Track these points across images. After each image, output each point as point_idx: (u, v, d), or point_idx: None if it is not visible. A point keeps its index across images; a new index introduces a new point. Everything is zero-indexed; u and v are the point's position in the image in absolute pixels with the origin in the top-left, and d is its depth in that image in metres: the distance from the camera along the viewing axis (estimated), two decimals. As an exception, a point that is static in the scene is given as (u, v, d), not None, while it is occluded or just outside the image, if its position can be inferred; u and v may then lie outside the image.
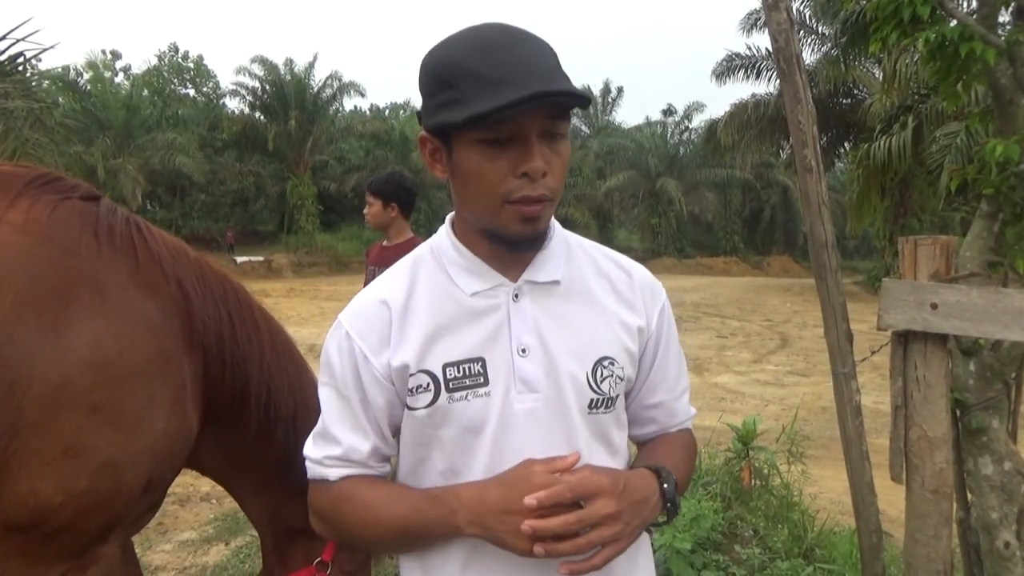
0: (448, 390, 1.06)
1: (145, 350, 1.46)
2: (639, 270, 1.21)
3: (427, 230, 1.22)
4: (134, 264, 1.53)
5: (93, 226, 1.51)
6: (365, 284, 3.84)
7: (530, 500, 0.94)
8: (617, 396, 1.13)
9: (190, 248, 1.74)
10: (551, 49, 1.02)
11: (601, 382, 1.10)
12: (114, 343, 1.41)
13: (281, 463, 1.76)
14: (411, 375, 1.06)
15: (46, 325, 1.35)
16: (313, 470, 1.13)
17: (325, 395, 1.13)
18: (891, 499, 2.56)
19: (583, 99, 0.96)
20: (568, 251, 1.16)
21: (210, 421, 1.69)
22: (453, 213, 1.15)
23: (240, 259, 27.47)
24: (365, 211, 3.83)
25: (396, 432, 1.14)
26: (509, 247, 1.07)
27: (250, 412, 1.74)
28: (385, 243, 3.84)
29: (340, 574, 1.90)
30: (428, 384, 1.06)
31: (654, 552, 3.05)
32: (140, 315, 1.48)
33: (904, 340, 1.92)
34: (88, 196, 1.59)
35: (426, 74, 1.03)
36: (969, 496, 2.12)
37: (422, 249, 1.17)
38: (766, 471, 4.18)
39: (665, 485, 1.06)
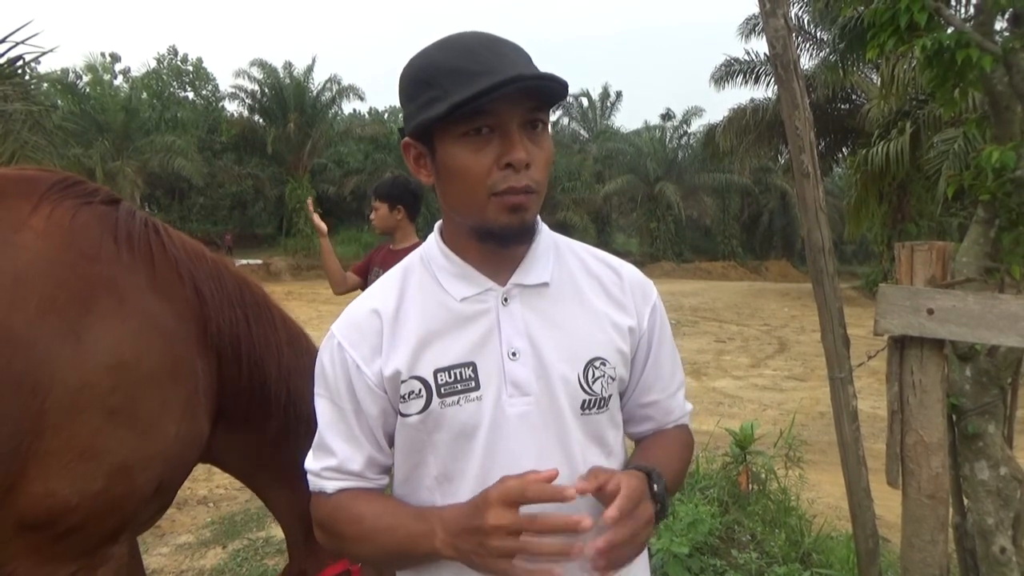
0: (440, 395, 1.06)
1: (160, 355, 1.49)
2: (629, 270, 1.22)
3: (426, 236, 1.23)
4: (151, 268, 1.55)
5: (112, 231, 1.54)
6: (366, 284, 3.85)
7: (612, 512, 0.92)
8: (610, 396, 1.13)
9: (208, 250, 1.75)
10: (526, 52, 1.04)
11: (593, 383, 1.10)
12: (131, 347, 1.44)
13: (300, 461, 1.79)
14: (403, 382, 1.07)
15: (68, 330, 1.37)
16: (312, 483, 1.14)
17: (320, 406, 1.14)
18: (888, 504, 2.57)
19: (561, 84, 0.98)
20: (557, 253, 1.17)
21: (228, 422, 1.71)
22: (441, 221, 1.16)
23: (239, 262, 27.23)
24: (372, 216, 3.83)
25: (392, 441, 1.14)
26: (499, 243, 1.07)
27: (270, 412, 1.76)
28: (392, 246, 3.85)
29: (371, 568, 1.91)
30: (420, 390, 1.06)
31: (651, 556, 3.06)
32: (156, 320, 1.51)
33: (901, 345, 1.92)
34: (108, 200, 1.62)
35: (406, 81, 1.05)
36: (965, 501, 2.12)
37: (412, 257, 1.18)
38: (763, 476, 4.18)
39: (655, 487, 1.05)
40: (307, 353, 1.86)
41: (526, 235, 1.09)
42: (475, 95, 0.94)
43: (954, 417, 2.07)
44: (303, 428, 1.77)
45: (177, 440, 1.50)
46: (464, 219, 1.07)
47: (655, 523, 1.09)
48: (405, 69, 1.06)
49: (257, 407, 1.74)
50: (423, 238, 1.21)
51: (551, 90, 0.99)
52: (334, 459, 1.11)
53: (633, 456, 1.21)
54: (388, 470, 1.16)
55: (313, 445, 1.16)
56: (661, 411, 1.24)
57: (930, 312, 1.83)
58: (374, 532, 1.06)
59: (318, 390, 1.14)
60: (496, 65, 0.97)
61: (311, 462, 1.15)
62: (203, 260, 1.68)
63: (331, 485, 1.12)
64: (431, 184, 1.10)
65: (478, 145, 1.00)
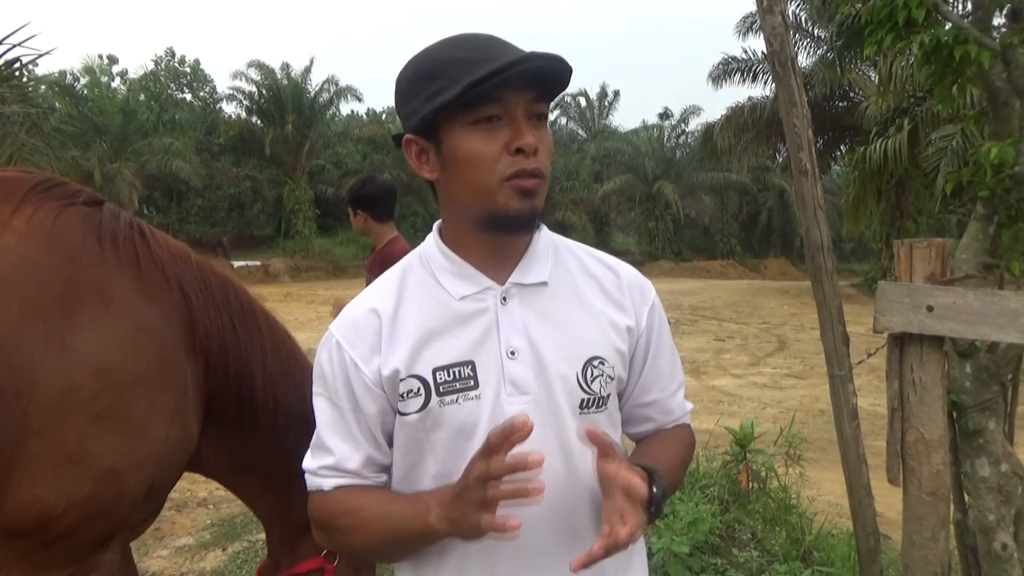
0: (439, 394, 1.06)
1: (148, 357, 1.47)
2: (627, 270, 1.22)
3: (425, 236, 1.22)
4: (137, 270, 1.53)
5: (96, 232, 1.51)
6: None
7: (622, 533, 0.93)
8: (608, 395, 1.13)
9: (193, 252, 1.74)
10: None
11: (592, 382, 1.10)
12: (118, 350, 1.42)
13: (289, 464, 1.77)
14: (401, 380, 1.07)
15: (52, 333, 1.35)
16: (311, 482, 1.14)
17: (319, 405, 1.13)
18: (888, 501, 2.56)
19: (568, 68, 1.02)
20: (555, 253, 1.17)
21: (214, 427, 1.69)
22: (440, 221, 1.17)
23: (237, 264, 27.30)
24: None
25: (391, 440, 1.14)
26: (507, 230, 1.07)
27: (256, 418, 1.74)
28: (376, 248, 3.83)
29: (347, 566, 1.90)
30: (419, 389, 1.06)
31: (652, 556, 3.06)
32: (143, 322, 1.49)
33: (900, 342, 1.92)
34: (92, 201, 1.59)
35: (407, 80, 1.06)
36: (966, 498, 2.12)
37: (411, 257, 1.18)
38: (764, 474, 4.18)
39: (654, 489, 1.04)
40: (292, 357, 1.84)
41: (533, 222, 1.10)
42: (490, 74, 0.95)
43: (954, 414, 2.07)
44: (289, 434, 1.75)
45: (167, 443, 1.48)
46: (471, 210, 1.07)
47: (650, 522, 1.08)
48: (403, 71, 1.07)
49: (244, 413, 1.72)
50: (420, 240, 1.21)
51: (557, 76, 1.02)
52: (332, 457, 1.11)
53: (633, 454, 1.20)
54: (386, 469, 1.16)
55: (311, 444, 1.15)
56: (660, 411, 1.24)
57: (930, 309, 1.82)
58: (370, 520, 1.06)
59: (316, 389, 1.14)
60: (501, 54, 0.99)
61: (309, 461, 1.15)
62: (189, 262, 1.66)
63: (328, 483, 1.11)
64: (434, 179, 1.10)
65: (487, 133, 1.01)
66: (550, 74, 1.02)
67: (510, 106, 1.01)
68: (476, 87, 0.96)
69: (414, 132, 1.07)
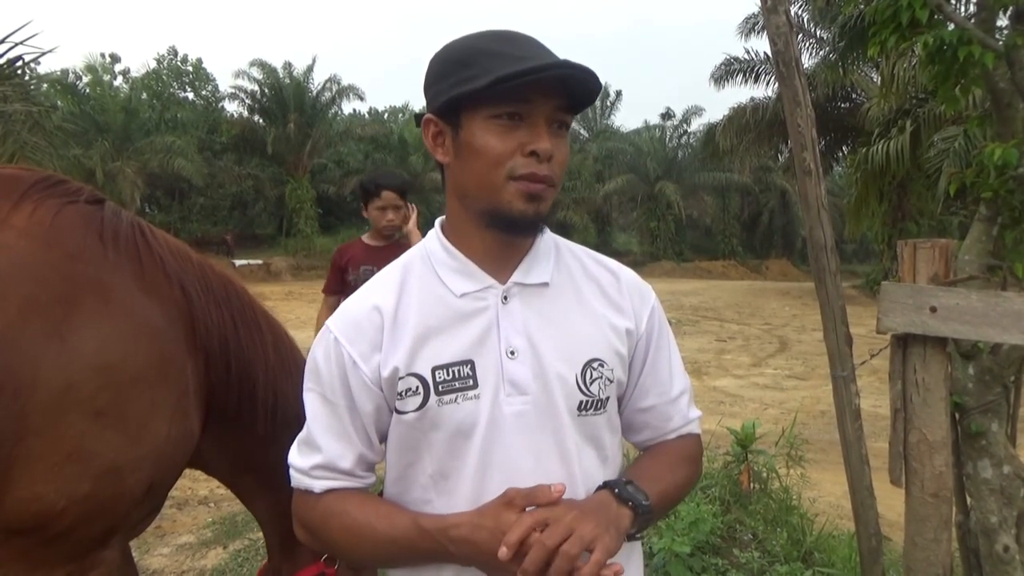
0: (437, 393, 1.05)
1: (148, 355, 1.46)
2: (627, 273, 1.22)
3: (424, 235, 1.22)
4: (138, 268, 1.53)
5: (97, 230, 1.51)
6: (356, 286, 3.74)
7: (502, 551, 0.91)
8: (607, 398, 1.12)
9: (193, 250, 1.74)
10: None
11: (591, 384, 1.10)
12: (118, 348, 1.41)
13: (286, 465, 1.77)
14: (400, 378, 1.06)
15: (51, 330, 1.34)
16: (298, 480, 1.12)
17: (311, 401, 1.12)
18: (890, 503, 2.56)
19: (597, 85, 1.02)
20: (556, 254, 1.17)
21: (215, 424, 1.69)
22: (443, 217, 1.16)
23: (239, 262, 27.30)
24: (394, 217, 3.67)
25: (384, 439, 1.13)
26: (508, 229, 1.07)
27: (257, 416, 1.73)
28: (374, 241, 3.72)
29: (348, 570, 1.90)
30: (417, 387, 1.05)
31: (653, 556, 3.05)
32: (143, 320, 1.48)
33: (903, 343, 1.91)
34: (92, 200, 1.59)
35: (440, 62, 1.06)
36: (968, 500, 2.12)
37: (412, 253, 1.17)
38: (765, 475, 4.17)
39: (616, 490, 1.05)
40: (291, 355, 1.84)
41: (536, 226, 1.09)
42: (523, 71, 0.96)
43: (957, 416, 2.07)
44: (289, 432, 1.76)
45: (168, 441, 1.47)
46: (476, 202, 1.07)
47: (646, 523, 1.07)
48: (438, 53, 1.07)
49: (246, 410, 1.72)
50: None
51: (586, 90, 1.02)
52: (324, 456, 1.09)
53: (626, 472, 1.18)
54: (374, 467, 1.15)
55: (299, 440, 1.13)
56: (659, 417, 1.22)
57: (933, 310, 1.82)
58: (373, 542, 1.05)
59: (308, 385, 1.12)
60: (537, 54, 1.00)
61: (297, 458, 1.13)
62: (189, 260, 1.66)
63: (320, 484, 1.10)
64: (446, 163, 1.10)
65: (506, 129, 1.01)
66: (580, 86, 1.01)
67: (535, 108, 1.01)
68: (507, 81, 0.96)
69: (436, 113, 1.07)
